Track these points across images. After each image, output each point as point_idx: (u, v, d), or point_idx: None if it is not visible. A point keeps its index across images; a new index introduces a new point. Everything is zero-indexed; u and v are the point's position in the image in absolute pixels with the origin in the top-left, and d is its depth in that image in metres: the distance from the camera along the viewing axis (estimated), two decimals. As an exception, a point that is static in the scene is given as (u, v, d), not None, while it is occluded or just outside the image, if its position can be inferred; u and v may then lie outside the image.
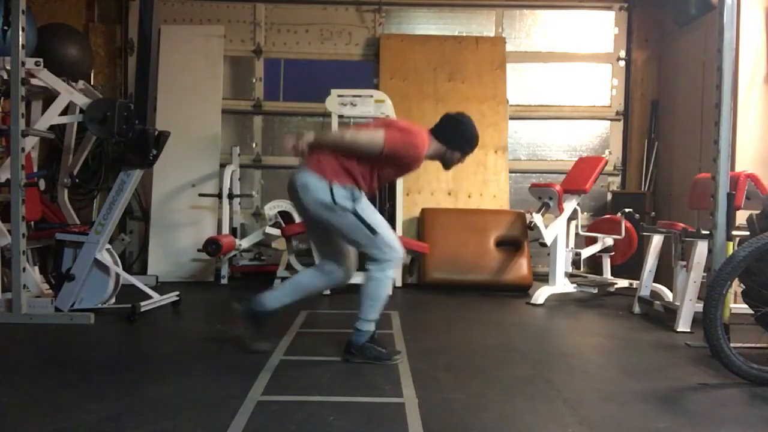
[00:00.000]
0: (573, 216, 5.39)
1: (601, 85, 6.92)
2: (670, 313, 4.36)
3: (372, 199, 3.43)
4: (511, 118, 6.63)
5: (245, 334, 3.47)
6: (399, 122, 3.45)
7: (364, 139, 3.18)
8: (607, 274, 5.67)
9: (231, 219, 6.02)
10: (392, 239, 3.27)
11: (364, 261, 3.32)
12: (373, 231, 3.20)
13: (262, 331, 3.45)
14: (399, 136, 3.20)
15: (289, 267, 5.67)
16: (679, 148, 6.20)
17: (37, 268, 4.99)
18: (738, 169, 4.76)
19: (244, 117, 6.80)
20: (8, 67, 4.16)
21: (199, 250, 5.66)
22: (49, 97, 4.76)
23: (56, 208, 5.45)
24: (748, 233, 3.58)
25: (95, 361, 3.35)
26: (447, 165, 3.47)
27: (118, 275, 4.40)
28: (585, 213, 6.67)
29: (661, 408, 2.74)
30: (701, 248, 4.14)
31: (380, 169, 3.27)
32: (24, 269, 4.08)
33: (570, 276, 5.46)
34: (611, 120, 6.91)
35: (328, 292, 5.33)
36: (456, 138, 3.38)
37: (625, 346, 3.90)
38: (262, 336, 3.46)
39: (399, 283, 5.63)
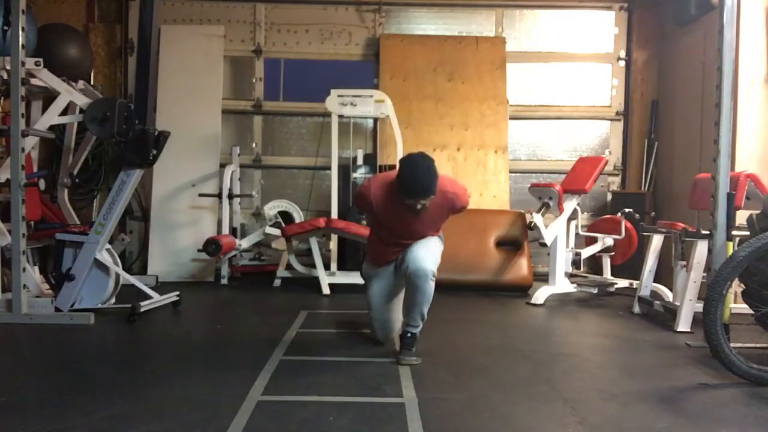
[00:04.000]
0: (573, 216, 5.39)
1: (601, 85, 6.91)
2: (670, 313, 4.36)
3: None
4: (511, 118, 6.62)
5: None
6: None
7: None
8: (607, 274, 5.67)
9: (231, 219, 6.01)
10: None
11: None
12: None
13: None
14: None
15: (289, 267, 5.67)
16: (679, 148, 6.19)
17: (37, 268, 4.99)
18: (738, 169, 4.75)
19: (244, 117, 6.80)
20: (8, 67, 4.16)
21: (199, 250, 5.66)
22: (49, 97, 4.76)
23: (56, 208, 5.45)
24: (748, 233, 3.59)
25: (95, 361, 3.36)
26: (409, 209, 3.28)
27: (118, 275, 4.40)
28: (585, 213, 6.67)
29: (661, 408, 2.74)
30: (701, 248, 4.14)
31: (379, 229, 3.49)
32: (24, 269, 4.08)
33: (570, 276, 5.45)
34: (611, 120, 6.91)
35: (327, 291, 5.36)
36: (398, 181, 3.22)
37: (625, 346, 3.90)
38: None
39: (399, 283, 5.62)
